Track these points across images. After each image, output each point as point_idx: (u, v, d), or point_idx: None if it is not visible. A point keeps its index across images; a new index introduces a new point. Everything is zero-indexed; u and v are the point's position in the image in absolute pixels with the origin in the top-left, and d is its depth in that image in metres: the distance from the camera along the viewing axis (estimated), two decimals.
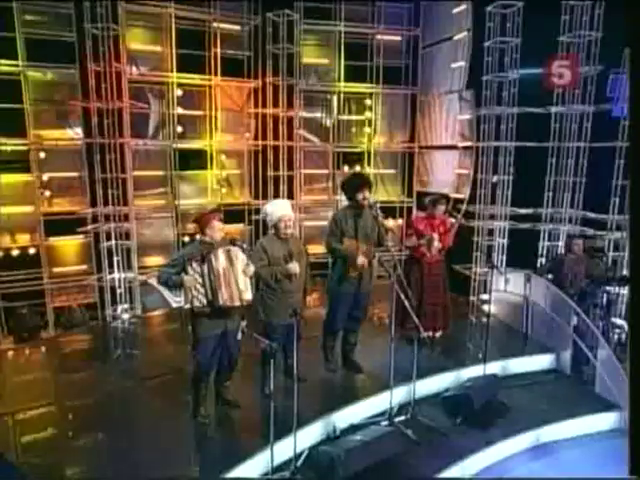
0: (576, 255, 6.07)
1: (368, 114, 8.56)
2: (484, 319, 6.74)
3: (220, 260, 3.96)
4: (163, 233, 7.67)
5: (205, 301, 3.92)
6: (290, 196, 7.99)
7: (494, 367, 5.23)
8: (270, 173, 7.95)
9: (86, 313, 7.11)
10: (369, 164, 8.71)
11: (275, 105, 7.71)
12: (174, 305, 7.50)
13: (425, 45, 8.20)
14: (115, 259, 6.97)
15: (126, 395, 4.75)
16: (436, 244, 5.42)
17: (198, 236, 4.18)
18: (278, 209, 4.47)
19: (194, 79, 7.46)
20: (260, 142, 7.96)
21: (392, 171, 8.90)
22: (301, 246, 4.57)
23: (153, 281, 7.66)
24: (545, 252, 7.35)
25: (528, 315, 6.15)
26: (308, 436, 4.11)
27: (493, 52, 6.97)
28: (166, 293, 7.80)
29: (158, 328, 7.03)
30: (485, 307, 7.14)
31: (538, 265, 7.15)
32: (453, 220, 5.65)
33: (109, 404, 4.59)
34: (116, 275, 6.98)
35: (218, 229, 4.02)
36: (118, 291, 7.00)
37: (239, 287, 3.97)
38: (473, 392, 4.56)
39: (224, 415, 4.33)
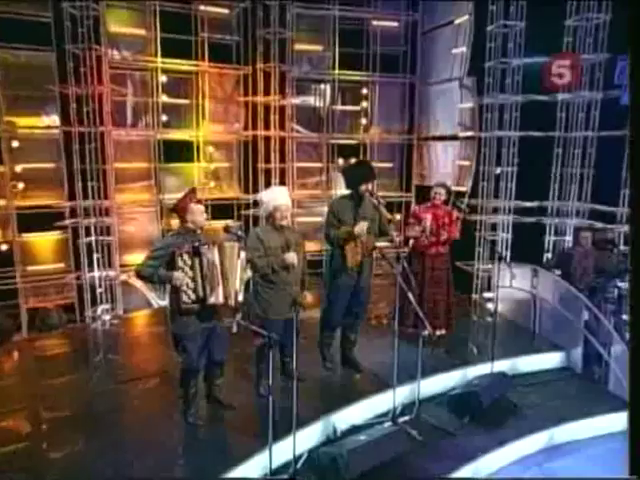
0: (584, 248, 6.08)
1: (364, 104, 8.55)
2: (488, 318, 6.80)
3: (217, 254, 3.82)
4: (146, 229, 7.58)
5: (194, 297, 3.79)
6: None
7: (502, 366, 5.18)
8: (261, 165, 7.89)
9: (63, 314, 6.97)
10: (365, 157, 8.69)
11: (266, 93, 7.66)
12: (157, 305, 7.55)
13: (424, 31, 8.23)
14: (95, 256, 6.84)
15: (109, 399, 4.61)
16: (428, 224, 5.35)
17: (180, 225, 3.98)
18: (275, 197, 4.40)
19: (180, 65, 7.39)
20: (250, 133, 7.90)
21: (389, 164, 8.89)
22: (298, 236, 4.51)
23: (135, 281, 7.61)
24: (551, 247, 7.37)
25: (536, 311, 6.15)
26: (307, 438, 4.04)
27: (496, 37, 6.99)
28: (150, 294, 7.81)
29: (141, 329, 6.90)
30: (489, 305, 7.16)
31: (544, 260, 7.18)
32: (457, 212, 5.59)
33: (91, 410, 4.45)
34: (96, 273, 6.86)
35: (199, 212, 3.87)
36: (98, 290, 6.87)
37: (235, 286, 3.85)
38: (481, 390, 4.52)
39: (216, 416, 4.23)
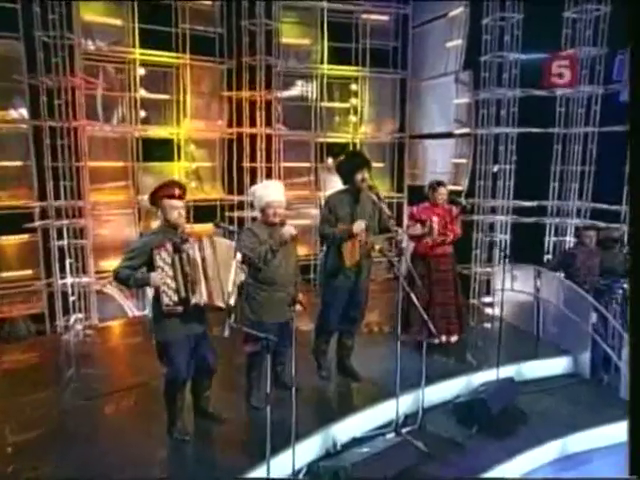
0: (588, 248, 6.00)
1: (354, 101, 8.44)
2: (487, 324, 6.70)
3: (198, 250, 3.57)
4: (123, 232, 7.31)
5: (176, 298, 3.54)
6: None
7: (506, 372, 5.04)
8: (246, 165, 7.69)
9: (31, 325, 6.65)
10: None
11: (251, 88, 7.49)
12: (133, 314, 7.31)
13: (416, 24, 8.17)
14: (67, 261, 6.55)
15: (84, 416, 4.31)
16: (435, 227, 5.22)
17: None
18: (268, 193, 4.20)
19: (159, 57, 7.19)
20: (235, 130, 7.71)
21: (380, 164, 8.77)
22: (286, 244, 4.28)
23: (110, 289, 7.34)
24: (552, 248, 7.31)
25: (539, 315, 6.04)
26: (305, 451, 3.82)
27: (492, 30, 6.96)
28: (126, 302, 7.54)
29: (118, 340, 6.61)
30: (488, 310, 7.06)
31: (544, 262, 7.11)
32: (456, 209, 5.47)
33: (63, 428, 4.14)
34: (68, 280, 6.56)
35: (171, 209, 3.57)
36: (71, 299, 6.58)
37: (227, 287, 3.56)
38: (489, 397, 4.36)
39: (205, 431, 3.98)
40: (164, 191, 3.66)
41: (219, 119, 7.81)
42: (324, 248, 4.81)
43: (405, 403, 4.45)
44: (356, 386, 4.80)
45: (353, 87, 8.39)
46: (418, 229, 5.20)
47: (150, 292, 3.80)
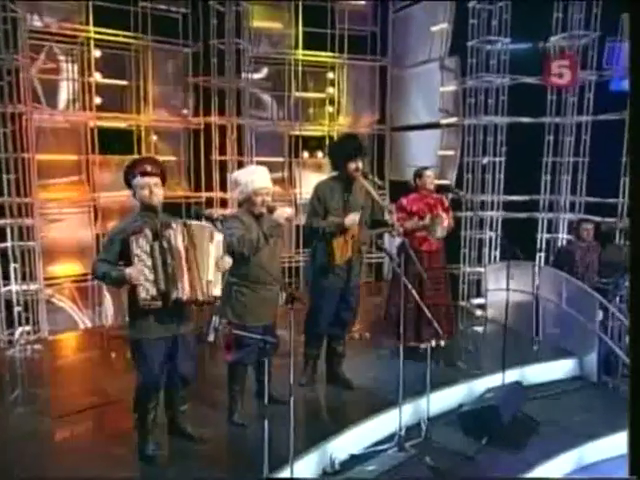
0: (586, 242, 5.92)
1: (330, 90, 8.20)
2: (479, 327, 6.52)
3: (183, 238, 3.25)
4: (77, 234, 6.81)
5: (155, 291, 3.20)
6: None
7: (505, 378, 4.84)
8: (215, 158, 7.33)
9: None
10: None
11: (220, 74, 7.15)
12: (85, 325, 6.86)
13: (397, 8, 8.00)
14: (12, 266, 6.01)
15: (35, 443, 3.82)
16: (445, 224, 4.99)
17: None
18: (254, 179, 3.88)
19: (117, 37, 6.76)
20: (202, 120, 7.34)
21: None
22: (278, 228, 3.97)
23: (60, 299, 6.87)
24: (544, 245, 7.22)
25: (538, 315, 5.90)
26: (300, 472, 3.48)
27: (480, 13, 6.85)
28: (77, 313, 7.04)
29: (71, 355, 6.11)
30: (479, 312, 6.91)
31: (537, 259, 7.03)
32: (446, 198, 5.27)
33: (6, 459, 3.64)
34: (13, 287, 6.02)
35: (141, 186, 3.26)
36: (16, 309, 6.03)
37: (206, 276, 3.28)
38: (500, 404, 4.13)
39: (182, 452, 3.59)
40: (135, 168, 3.33)
41: (184, 108, 7.42)
42: (313, 244, 4.50)
43: (404, 414, 4.19)
44: (349, 397, 4.53)
45: (330, 75, 8.14)
46: (414, 223, 4.95)
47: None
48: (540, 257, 7.14)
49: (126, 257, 3.20)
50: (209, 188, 7.35)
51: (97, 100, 6.80)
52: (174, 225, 3.26)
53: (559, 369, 5.38)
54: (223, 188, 7.34)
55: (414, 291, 4.09)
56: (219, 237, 3.37)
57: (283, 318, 4.19)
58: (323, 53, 7.93)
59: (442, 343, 5.25)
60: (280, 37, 7.81)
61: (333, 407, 4.41)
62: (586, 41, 6.62)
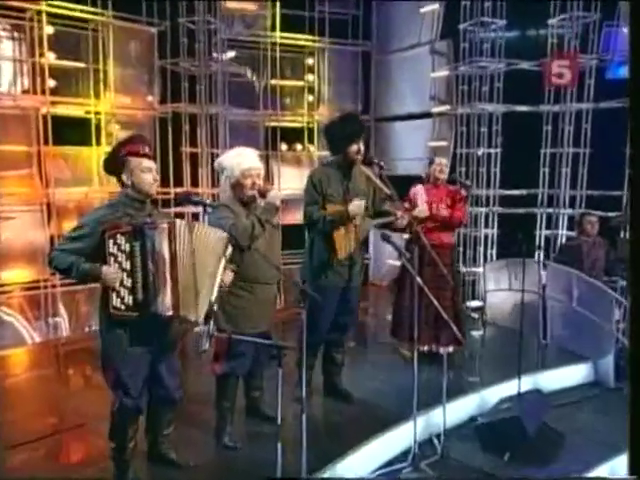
0: (591, 237, 5.75)
1: (310, 77, 7.88)
2: (477, 331, 6.30)
3: (173, 240, 2.82)
4: (27, 235, 6.27)
5: (130, 301, 2.79)
6: (213, 183, 7.01)
7: (514, 387, 4.55)
8: (185, 150, 6.90)
9: None
10: (311, 142, 8.00)
11: (190, 56, 6.73)
12: (32, 340, 6.36)
13: None
14: None
15: None
16: (423, 214, 4.69)
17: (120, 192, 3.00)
18: (241, 160, 3.52)
19: (73, 11, 6.27)
20: (170, 107, 6.90)
21: None
22: (275, 216, 3.60)
23: (7, 312, 6.33)
24: (543, 243, 7.04)
25: (546, 316, 5.68)
26: None
27: None
28: (24, 327, 6.50)
29: (22, 374, 5.56)
30: (474, 315, 6.68)
31: (536, 258, 6.85)
32: (463, 190, 5.04)
33: None
34: None
35: (142, 170, 2.87)
36: None
37: (201, 292, 2.86)
38: (524, 415, 3.84)
39: None
40: (130, 147, 2.91)
41: (149, 94, 6.96)
42: (309, 238, 4.16)
43: (410, 429, 3.87)
44: (351, 411, 4.19)
45: (309, 61, 7.82)
46: (424, 211, 4.65)
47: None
48: (539, 255, 6.96)
49: (98, 254, 2.77)
50: (178, 183, 6.91)
51: (50, 83, 6.29)
52: (163, 224, 2.83)
53: (572, 375, 5.14)
54: (195, 183, 6.91)
55: (427, 290, 3.77)
56: (230, 250, 2.99)
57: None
58: (302, 36, 7.61)
59: (450, 349, 4.98)
60: (254, 18, 7.45)
61: (335, 424, 4.05)
62: (586, 22, 6.47)
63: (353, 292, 4.15)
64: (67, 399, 4.46)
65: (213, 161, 6.95)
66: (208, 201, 3.14)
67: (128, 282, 2.79)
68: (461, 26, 6.74)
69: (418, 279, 3.67)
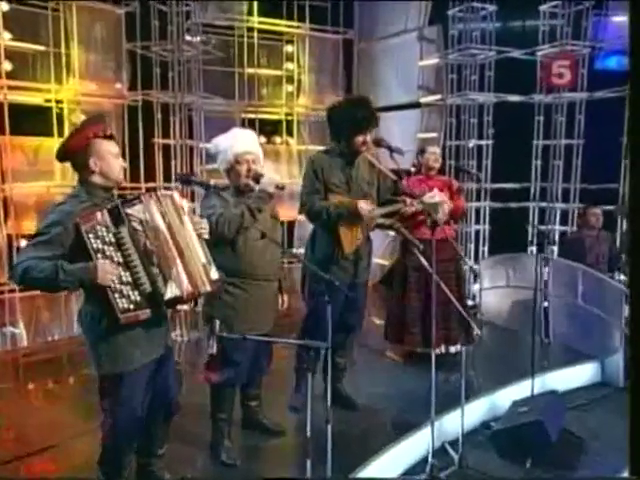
0: (595, 231, 5.67)
1: (290, 66, 7.61)
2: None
3: (158, 211, 2.54)
4: None
5: (137, 296, 2.46)
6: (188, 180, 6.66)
7: (518, 388, 4.43)
8: (158, 141, 6.52)
9: None
10: (290, 135, 7.73)
11: (162, 38, 6.38)
12: None
13: None
14: None
15: None
16: (445, 209, 4.52)
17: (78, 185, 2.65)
18: (235, 143, 3.27)
19: None
20: (140, 95, 6.50)
21: (320, 147, 7.97)
22: (268, 203, 3.32)
23: None
24: (535, 239, 6.95)
25: (547, 314, 5.57)
26: None
27: None
28: None
29: None
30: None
31: (529, 253, 6.76)
32: (455, 181, 4.88)
33: None
34: None
35: (110, 155, 2.57)
36: None
37: (198, 257, 2.61)
38: (546, 418, 3.66)
39: None
40: (93, 128, 2.58)
41: (117, 80, 6.56)
42: (311, 231, 3.90)
43: (424, 437, 3.67)
44: (356, 419, 3.97)
45: (289, 49, 7.56)
46: (437, 196, 4.44)
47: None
48: (532, 250, 6.87)
49: (77, 256, 2.42)
50: (150, 178, 6.52)
51: (6, 66, 5.84)
52: (143, 198, 2.54)
53: (578, 375, 5.02)
54: (168, 178, 6.55)
55: (436, 286, 3.58)
56: (185, 203, 2.70)
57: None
58: (281, 22, 7.34)
59: (453, 349, 4.81)
60: (230, 2, 7.15)
61: (341, 435, 3.76)
62: (580, 8, 6.41)
63: (360, 289, 3.93)
64: (29, 419, 4.08)
65: (188, 153, 6.68)
66: (212, 182, 2.82)
67: (127, 276, 2.46)
68: (449, 12, 6.59)
69: (435, 276, 3.50)
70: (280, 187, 3.22)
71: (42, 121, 6.19)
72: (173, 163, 6.57)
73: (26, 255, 2.42)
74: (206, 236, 2.71)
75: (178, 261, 2.50)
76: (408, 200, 3.85)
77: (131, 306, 2.43)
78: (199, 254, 2.60)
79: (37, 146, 6.24)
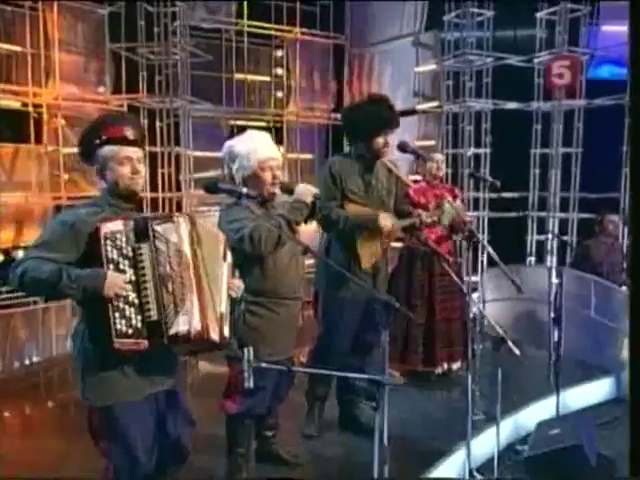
0: (610, 239, 5.50)
1: (279, 71, 7.33)
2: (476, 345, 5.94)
3: (193, 239, 2.19)
4: None
5: (139, 322, 2.10)
6: (177, 187, 6.31)
7: (533, 409, 4.19)
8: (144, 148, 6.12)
9: None
10: (280, 143, 7.41)
11: (149, 39, 6.02)
12: None
13: None
14: None
15: None
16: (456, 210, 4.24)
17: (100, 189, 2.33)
18: (258, 147, 2.90)
19: None
20: (124, 100, 6.17)
21: (309, 156, 7.71)
22: (305, 216, 2.99)
23: None
24: (534, 249, 6.79)
25: (560, 327, 5.34)
26: None
27: None
28: None
29: None
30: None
31: (527, 264, 6.60)
32: (457, 190, 4.67)
33: None
34: None
35: (119, 161, 2.19)
36: None
37: (219, 305, 2.26)
38: (586, 442, 3.39)
39: None
40: (106, 130, 2.21)
41: (100, 84, 6.19)
42: (325, 241, 3.57)
43: (448, 466, 3.38)
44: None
45: (279, 54, 7.28)
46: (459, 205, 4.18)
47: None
48: (530, 261, 6.70)
49: (86, 264, 2.09)
50: None
51: None
52: (175, 218, 2.19)
53: (594, 391, 4.80)
54: (154, 187, 6.17)
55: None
56: (229, 257, 2.40)
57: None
58: (271, 25, 7.06)
59: (455, 366, 4.58)
60: (218, 4, 6.83)
61: (357, 464, 3.45)
62: (579, 13, 6.31)
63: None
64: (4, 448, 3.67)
65: (174, 161, 6.31)
66: (244, 190, 2.44)
67: (134, 297, 2.11)
68: (445, 17, 6.41)
69: (464, 288, 3.21)
70: (317, 197, 2.85)
71: (18, 126, 5.83)
72: (160, 171, 6.19)
73: (26, 255, 2.13)
74: (234, 295, 2.40)
75: (195, 296, 2.15)
76: (424, 214, 3.57)
77: (130, 331, 2.07)
78: (222, 299, 2.27)
79: (12, 154, 5.84)
